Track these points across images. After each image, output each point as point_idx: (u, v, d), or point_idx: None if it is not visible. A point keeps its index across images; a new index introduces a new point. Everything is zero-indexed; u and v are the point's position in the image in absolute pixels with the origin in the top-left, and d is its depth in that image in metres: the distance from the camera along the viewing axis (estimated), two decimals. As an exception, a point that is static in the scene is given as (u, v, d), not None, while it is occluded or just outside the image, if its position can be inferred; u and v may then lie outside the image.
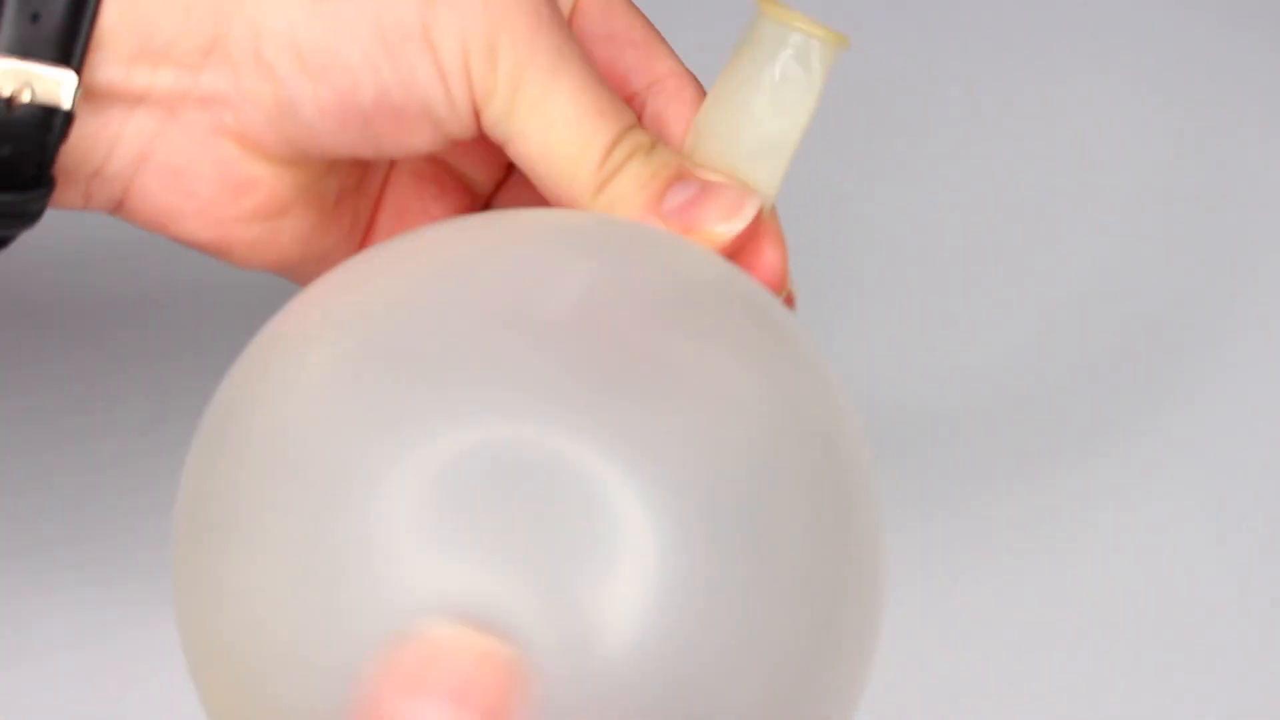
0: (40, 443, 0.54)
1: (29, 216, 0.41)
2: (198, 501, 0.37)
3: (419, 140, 0.42)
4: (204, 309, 0.57)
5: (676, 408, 0.36)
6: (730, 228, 0.42)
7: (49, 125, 0.39)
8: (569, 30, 0.42)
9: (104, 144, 0.41)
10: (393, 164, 0.46)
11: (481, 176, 0.47)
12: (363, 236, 0.46)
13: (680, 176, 0.42)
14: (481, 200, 0.47)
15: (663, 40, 0.46)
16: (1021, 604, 0.53)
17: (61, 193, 0.41)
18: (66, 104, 0.39)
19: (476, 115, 0.41)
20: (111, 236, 0.57)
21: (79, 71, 0.39)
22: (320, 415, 0.35)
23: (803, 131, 0.43)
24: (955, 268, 0.59)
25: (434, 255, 0.38)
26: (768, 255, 0.43)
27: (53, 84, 0.39)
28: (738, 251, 0.42)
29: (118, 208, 0.42)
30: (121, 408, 0.55)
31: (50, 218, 0.42)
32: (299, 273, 0.44)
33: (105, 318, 0.57)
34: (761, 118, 0.42)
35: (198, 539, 0.37)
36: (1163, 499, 0.56)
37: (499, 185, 0.47)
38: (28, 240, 0.42)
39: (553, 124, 0.41)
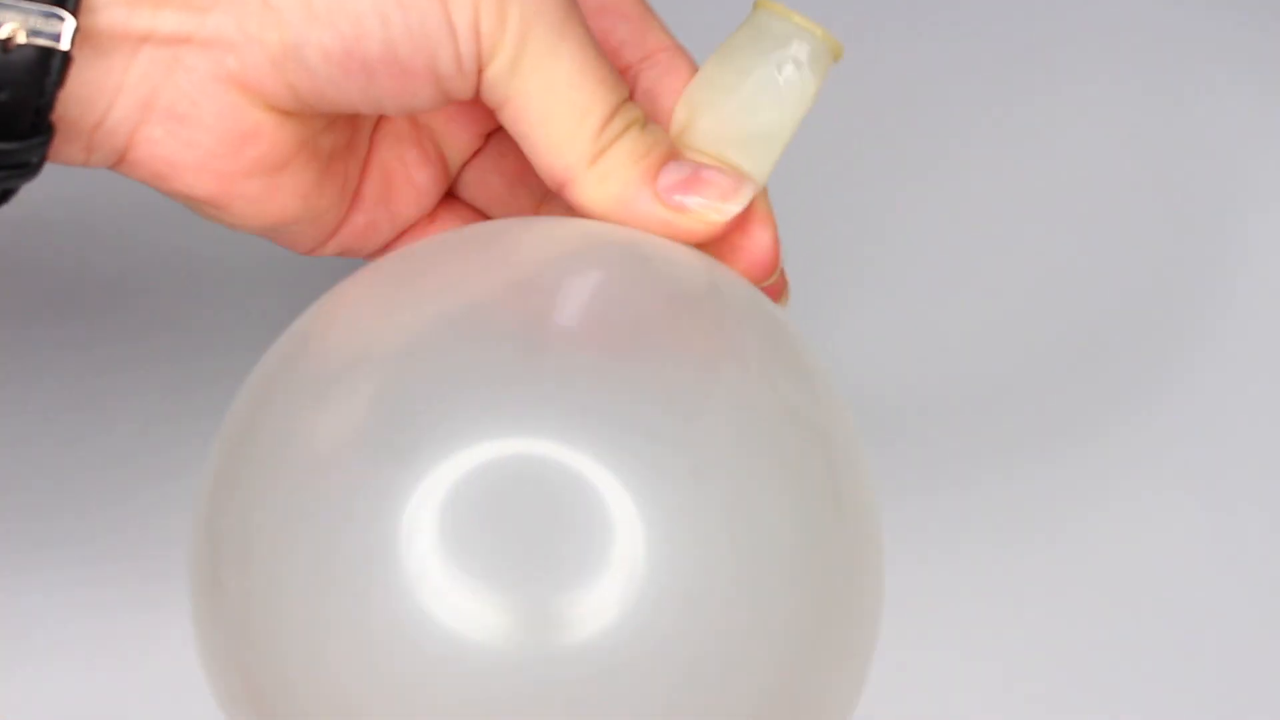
0: (39, 440, 0.54)
1: (28, 168, 0.40)
2: (230, 532, 0.38)
3: (419, 97, 0.41)
4: (207, 306, 0.57)
5: (666, 408, 0.37)
6: (724, 211, 0.42)
7: (46, 68, 0.39)
8: None
9: (107, 92, 0.40)
10: (377, 127, 0.46)
11: (457, 144, 0.47)
12: (351, 199, 0.45)
13: (673, 156, 0.42)
14: (454, 169, 0.47)
15: (656, 16, 0.46)
16: (1013, 593, 0.54)
17: (63, 146, 0.41)
18: (64, 45, 0.39)
19: (479, 74, 0.41)
20: (117, 232, 0.56)
21: (75, 12, 0.39)
22: (348, 448, 0.37)
23: (796, 127, 0.43)
24: (943, 255, 0.59)
25: (450, 278, 0.39)
26: (758, 236, 0.43)
27: (49, 25, 0.38)
28: (727, 234, 0.42)
29: (119, 161, 0.42)
30: (122, 404, 0.55)
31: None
32: (291, 233, 0.44)
33: (106, 309, 0.56)
34: (757, 108, 0.43)
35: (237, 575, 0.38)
36: (1155, 488, 0.56)
37: (473, 155, 0.47)
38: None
39: (555, 85, 0.41)
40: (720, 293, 0.40)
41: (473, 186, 0.48)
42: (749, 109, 0.43)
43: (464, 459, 0.36)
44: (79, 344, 0.55)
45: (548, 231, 0.41)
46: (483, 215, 0.48)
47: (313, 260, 0.47)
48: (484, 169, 0.47)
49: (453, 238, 0.41)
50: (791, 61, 0.43)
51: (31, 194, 0.41)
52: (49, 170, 0.40)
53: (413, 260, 0.40)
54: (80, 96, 0.40)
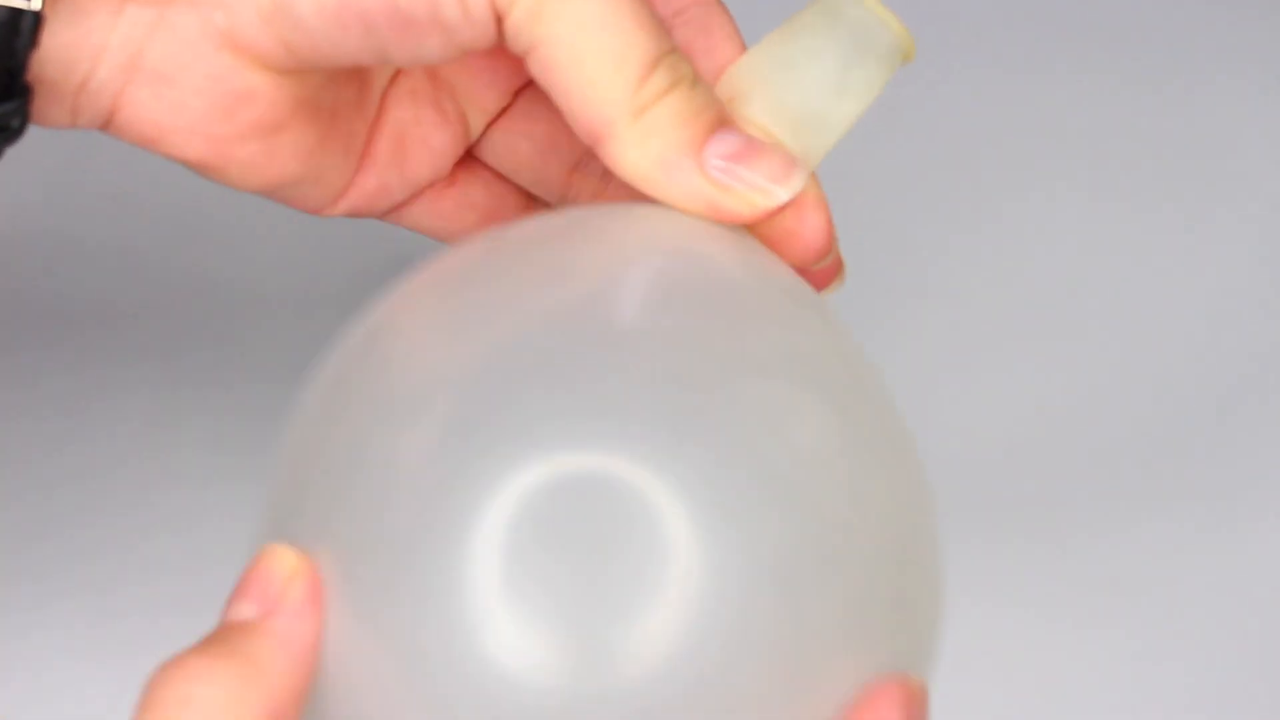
0: (34, 451, 0.53)
1: (9, 131, 0.38)
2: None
3: (429, 48, 0.38)
4: (203, 313, 0.56)
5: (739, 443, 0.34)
6: (773, 195, 0.38)
7: (16, 29, 0.36)
8: None
9: (88, 54, 0.38)
10: (391, 84, 0.42)
11: (481, 103, 0.43)
12: (359, 159, 0.42)
13: (723, 124, 0.38)
14: (476, 132, 0.43)
15: None
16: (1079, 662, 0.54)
17: (47, 108, 0.38)
18: (35, 5, 0.36)
19: (497, 21, 0.37)
20: (111, 237, 0.55)
21: None
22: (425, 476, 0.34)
23: (854, 121, 0.40)
24: (1029, 319, 0.59)
25: (518, 292, 0.36)
26: (812, 221, 0.39)
27: None
28: (780, 219, 0.38)
29: (107, 123, 0.39)
30: (118, 413, 0.54)
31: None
32: (293, 194, 0.41)
33: (101, 320, 0.55)
34: (819, 94, 0.39)
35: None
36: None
37: (499, 115, 0.43)
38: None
39: (586, 28, 0.37)
40: (789, 303, 0.37)
41: (499, 150, 0.44)
42: (810, 93, 0.39)
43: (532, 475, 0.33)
44: (79, 352, 0.54)
45: (614, 238, 0.38)
46: (506, 180, 0.44)
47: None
48: (511, 131, 0.44)
49: (519, 240, 0.38)
50: (863, 51, 0.40)
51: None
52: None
53: (475, 269, 0.37)
54: (59, 59, 0.37)
